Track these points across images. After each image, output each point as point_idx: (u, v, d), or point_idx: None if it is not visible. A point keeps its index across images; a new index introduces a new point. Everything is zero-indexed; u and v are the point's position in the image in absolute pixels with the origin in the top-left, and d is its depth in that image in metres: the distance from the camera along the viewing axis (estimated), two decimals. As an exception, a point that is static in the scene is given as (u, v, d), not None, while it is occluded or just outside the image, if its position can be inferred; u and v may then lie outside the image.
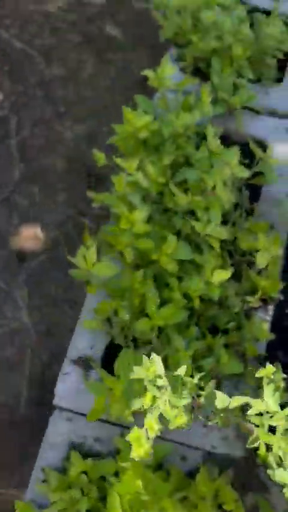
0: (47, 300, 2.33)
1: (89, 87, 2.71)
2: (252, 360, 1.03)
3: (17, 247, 2.34)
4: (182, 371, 0.67)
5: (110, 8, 2.82)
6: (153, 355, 0.65)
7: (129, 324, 1.02)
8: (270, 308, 1.10)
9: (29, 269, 2.34)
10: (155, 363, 0.64)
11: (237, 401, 0.72)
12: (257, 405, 0.68)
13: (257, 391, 0.98)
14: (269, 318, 1.09)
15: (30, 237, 2.43)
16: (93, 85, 2.73)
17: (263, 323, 1.04)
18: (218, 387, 1.04)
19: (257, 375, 0.71)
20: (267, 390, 0.68)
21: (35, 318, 2.33)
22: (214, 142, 1.09)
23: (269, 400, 0.67)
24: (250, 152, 1.31)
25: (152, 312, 0.97)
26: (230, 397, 0.72)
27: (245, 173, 1.06)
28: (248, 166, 1.18)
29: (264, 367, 0.71)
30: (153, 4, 1.38)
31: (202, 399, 0.70)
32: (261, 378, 0.73)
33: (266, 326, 1.04)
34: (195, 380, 0.69)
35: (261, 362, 1.03)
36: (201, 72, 1.35)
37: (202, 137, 1.22)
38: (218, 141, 1.11)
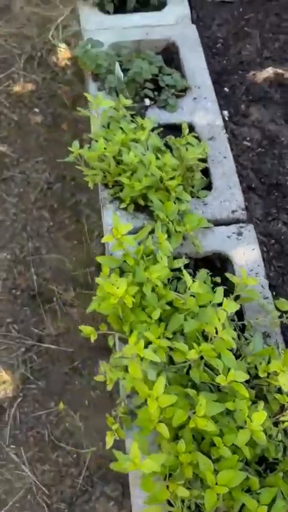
0: (42, 445, 2.22)
1: (-1, 211, 2.65)
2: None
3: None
4: None
5: (-11, 126, 2.80)
6: None
7: (191, 496, 1.00)
8: (301, 417, 1.15)
9: (10, 419, 2.21)
10: None
11: None
12: None
13: None
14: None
15: (-3, 384, 2.30)
16: (2, 208, 2.68)
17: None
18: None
19: None
20: None
21: (38, 470, 2.21)
22: (195, 286, 1.13)
23: None
24: (214, 264, 1.38)
25: (211, 482, 0.97)
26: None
27: (236, 307, 1.10)
28: (222, 284, 1.24)
29: None
30: (73, 157, 1.40)
31: None
32: None
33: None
34: None
35: None
36: (140, 205, 1.39)
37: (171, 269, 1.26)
38: (197, 281, 1.14)
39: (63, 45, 3.22)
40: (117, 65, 1.54)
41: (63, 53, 3.22)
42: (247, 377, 1.03)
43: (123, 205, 1.36)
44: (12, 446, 2.11)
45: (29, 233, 2.61)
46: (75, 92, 3.08)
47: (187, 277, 1.14)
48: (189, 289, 1.14)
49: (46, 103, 3.07)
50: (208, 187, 1.48)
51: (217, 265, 1.36)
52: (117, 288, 1.12)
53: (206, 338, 1.17)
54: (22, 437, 2.16)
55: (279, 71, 1.76)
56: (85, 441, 2.14)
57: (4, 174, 2.74)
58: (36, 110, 3.02)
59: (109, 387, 1.11)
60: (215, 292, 1.20)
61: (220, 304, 1.16)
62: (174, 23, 1.79)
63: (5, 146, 2.85)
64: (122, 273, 1.26)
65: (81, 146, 1.41)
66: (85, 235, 2.60)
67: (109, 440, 1.08)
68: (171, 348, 1.12)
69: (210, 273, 1.28)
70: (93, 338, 1.17)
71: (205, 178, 1.46)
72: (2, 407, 2.23)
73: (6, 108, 2.96)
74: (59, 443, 2.13)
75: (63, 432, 2.16)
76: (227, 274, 1.19)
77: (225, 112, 1.67)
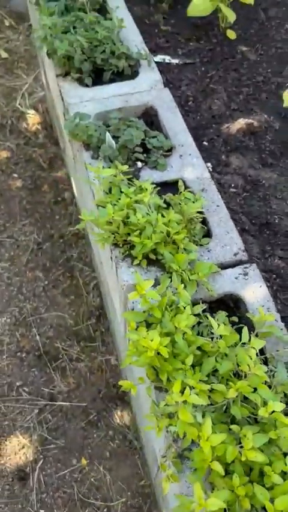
0: (71, 504, 2.22)
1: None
2: None
3: (12, 468, 2.21)
4: None
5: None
6: None
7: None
8: None
9: (35, 483, 2.22)
10: None
11: None
12: None
13: None
14: None
15: (14, 452, 2.30)
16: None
17: None
18: None
19: None
20: None
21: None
22: (221, 329, 1.24)
23: None
24: (227, 304, 1.49)
25: (271, 510, 1.05)
26: None
27: (262, 344, 1.21)
28: (239, 322, 1.36)
29: None
30: (84, 224, 1.50)
31: None
32: None
33: None
34: None
35: None
36: (151, 259, 1.50)
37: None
38: (221, 324, 1.25)
39: (31, 111, 3.38)
40: (107, 134, 1.68)
41: (32, 119, 3.38)
42: (284, 406, 1.13)
43: (136, 262, 1.47)
44: (41, 511, 2.11)
45: (25, 295, 2.68)
46: (49, 154, 3.23)
47: (213, 322, 1.25)
48: (212, 333, 1.25)
49: (23, 168, 3.20)
50: (207, 234, 1.61)
51: (230, 305, 1.48)
52: (151, 340, 1.21)
53: (235, 376, 1.27)
54: (49, 499, 2.17)
55: (249, 120, 1.95)
56: (113, 493, 2.16)
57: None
58: (15, 175, 3.14)
59: (159, 435, 1.19)
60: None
61: (244, 343, 1.27)
62: (149, 88, 1.96)
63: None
64: (146, 325, 1.35)
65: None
66: (81, 289, 2.69)
67: (166, 486, 1.15)
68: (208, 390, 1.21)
69: (226, 314, 1.39)
70: (134, 392, 1.24)
71: (205, 227, 1.60)
72: (25, 472, 2.24)
73: (-15, 177, 3.06)
74: (88, 499, 2.15)
75: (90, 487, 2.18)
76: (248, 314, 1.31)
77: (209, 164, 1.83)
